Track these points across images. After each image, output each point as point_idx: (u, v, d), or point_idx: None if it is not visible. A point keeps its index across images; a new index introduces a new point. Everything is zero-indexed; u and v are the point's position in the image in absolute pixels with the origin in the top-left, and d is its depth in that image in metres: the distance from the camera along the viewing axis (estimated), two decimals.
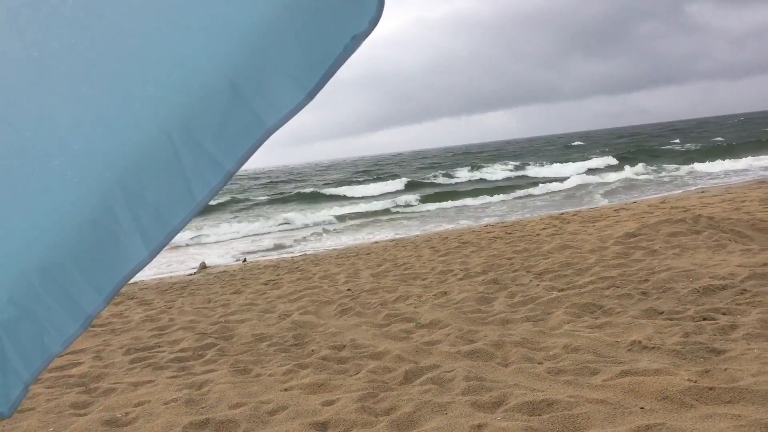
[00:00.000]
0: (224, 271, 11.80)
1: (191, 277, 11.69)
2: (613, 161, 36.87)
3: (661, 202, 13.82)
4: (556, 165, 39.21)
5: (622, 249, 7.95)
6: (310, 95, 1.12)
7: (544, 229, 11.44)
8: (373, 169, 57.20)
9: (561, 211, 15.45)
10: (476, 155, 70.18)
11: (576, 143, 74.57)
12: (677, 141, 52.14)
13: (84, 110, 1.25)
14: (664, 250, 7.54)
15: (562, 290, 6.25)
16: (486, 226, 14.08)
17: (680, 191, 18.77)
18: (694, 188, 19.02)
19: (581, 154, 49.71)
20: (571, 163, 38.41)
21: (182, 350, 5.81)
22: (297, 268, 10.83)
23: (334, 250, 13.61)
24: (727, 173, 23.52)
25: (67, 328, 1.41)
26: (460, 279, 7.73)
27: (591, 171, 32.50)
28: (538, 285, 6.64)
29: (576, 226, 11.17)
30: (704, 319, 4.67)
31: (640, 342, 4.26)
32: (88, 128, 1.26)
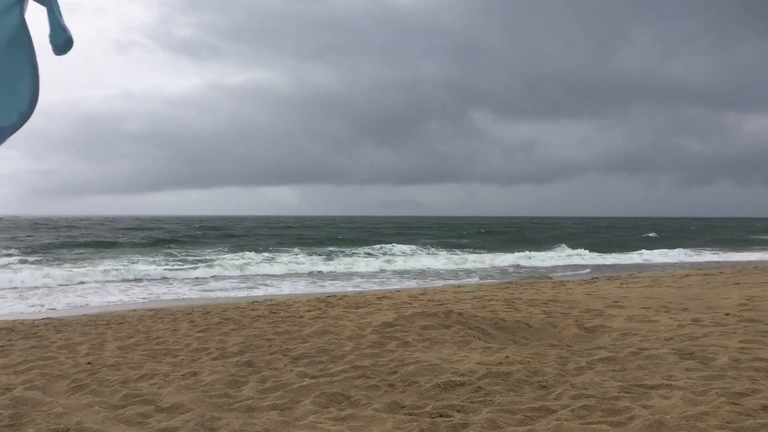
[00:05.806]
0: None
1: None
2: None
3: (421, 294, 14.61)
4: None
5: (378, 338, 8.16)
6: None
7: (308, 311, 11.47)
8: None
9: (328, 294, 15.69)
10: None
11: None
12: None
13: None
14: (415, 342, 7.87)
15: (314, 377, 6.21)
16: (252, 302, 13.83)
17: (442, 283, 20.03)
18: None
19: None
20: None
21: None
22: (35, 333, 9.71)
23: (84, 315, 12.45)
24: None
25: None
26: (214, 359, 7.40)
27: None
28: (292, 370, 6.54)
29: (340, 310, 11.36)
30: (440, 416, 4.86)
31: None
32: None
